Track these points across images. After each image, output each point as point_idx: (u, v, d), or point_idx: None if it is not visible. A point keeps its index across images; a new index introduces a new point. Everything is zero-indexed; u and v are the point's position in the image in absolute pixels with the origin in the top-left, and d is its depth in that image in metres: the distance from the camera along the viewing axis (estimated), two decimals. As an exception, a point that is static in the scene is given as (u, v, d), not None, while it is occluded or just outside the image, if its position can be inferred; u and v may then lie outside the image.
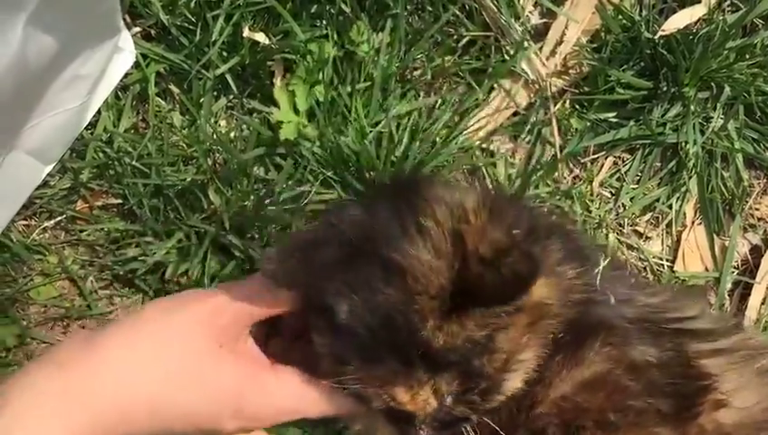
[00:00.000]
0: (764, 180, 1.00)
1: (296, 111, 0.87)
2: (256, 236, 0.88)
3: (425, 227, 0.62)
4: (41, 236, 0.91)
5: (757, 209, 1.01)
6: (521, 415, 0.70)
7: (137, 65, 0.88)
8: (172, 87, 0.91)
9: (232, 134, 0.91)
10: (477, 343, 0.63)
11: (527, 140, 0.98)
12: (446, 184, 0.78)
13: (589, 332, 0.70)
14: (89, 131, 0.89)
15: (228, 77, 0.89)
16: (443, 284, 0.61)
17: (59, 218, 0.91)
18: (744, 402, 0.74)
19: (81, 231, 0.91)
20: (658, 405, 0.70)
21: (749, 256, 1.00)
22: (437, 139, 0.95)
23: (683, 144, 0.96)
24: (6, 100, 0.61)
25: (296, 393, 0.70)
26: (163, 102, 0.92)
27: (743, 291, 0.99)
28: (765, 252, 0.98)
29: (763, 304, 0.97)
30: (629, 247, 0.99)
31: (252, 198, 0.86)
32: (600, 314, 0.72)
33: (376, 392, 0.65)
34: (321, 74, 0.88)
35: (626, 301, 0.76)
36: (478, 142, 0.97)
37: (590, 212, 0.98)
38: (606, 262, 0.73)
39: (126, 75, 0.86)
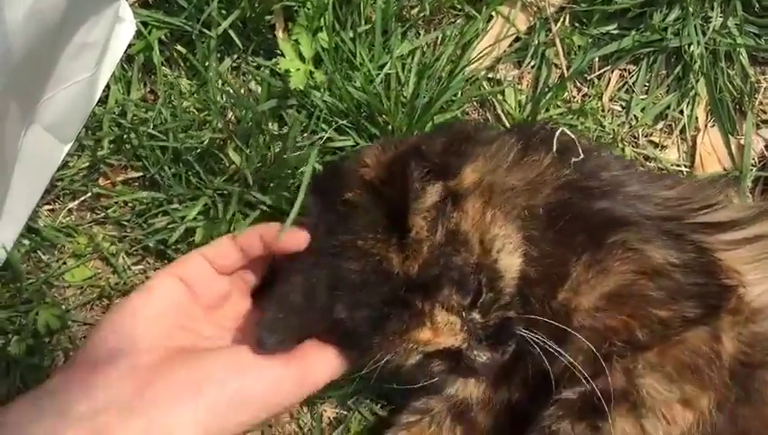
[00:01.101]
0: (771, 75, 1.01)
1: (302, 59, 0.88)
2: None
3: (348, 201, 0.70)
4: (67, 218, 0.91)
5: (767, 104, 1.01)
6: (563, 320, 0.71)
7: (138, 35, 0.88)
8: (176, 54, 0.92)
9: (242, 91, 0.91)
10: (443, 244, 0.68)
11: (532, 64, 0.99)
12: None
13: (605, 229, 0.72)
14: (101, 107, 0.89)
15: (231, 33, 0.89)
16: (382, 224, 0.67)
17: (83, 198, 0.91)
18: None
19: (107, 208, 0.91)
20: (683, 311, 0.71)
21: (765, 152, 1.00)
22: (443, 74, 0.95)
23: (686, 47, 0.96)
24: (27, 54, 0.61)
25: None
26: (168, 71, 0.93)
27: (763, 187, 1.00)
28: (783, 145, 0.99)
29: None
30: (646, 158, 0.99)
31: (270, 151, 0.87)
32: (613, 210, 0.74)
33: (404, 349, 0.68)
34: (322, 20, 0.89)
35: (641, 197, 0.77)
36: (484, 73, 0.97)
37: (604, 127, 0.98)
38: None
39: (129, 46, 0.87)
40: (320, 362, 0.71)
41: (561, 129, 0.80)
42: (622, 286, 0.71)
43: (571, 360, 0.70)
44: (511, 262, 0.71)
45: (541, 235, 0.72)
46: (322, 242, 0.71)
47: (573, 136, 0.80)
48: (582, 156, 0.78)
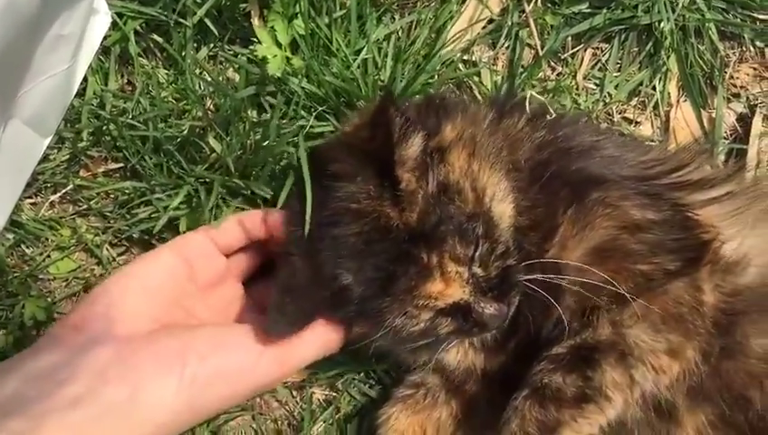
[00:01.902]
0: (739, 49, 1.03)
1: (279, 46, 0.88)
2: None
3: (334, 173, 0.72)
4: (50, 211, 0.92)
5: (737, 78, 1.03)
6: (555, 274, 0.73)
7: (114, 26, 0.88)
8: (153, 44, 0.92)
9: (220, 79, 0.92)
10: (437, 195, 0.69)
11: (506, 45, 1.00)
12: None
13: (585, 187, 0.75)
14: (79, 100, 0.89)
15: (207, 22, 0.89)
16: (373, 183, 0.69)
17: (64, 191, 0.92)
18: (749, 244, 0.77)
19: (89, 199, 0.92)
20: (665, 264, 0.73)
21: (737, 125, 1.03)
22: (419, 58, 0.96)
23: (656, 24, 0.98)
24: (4, 48, 0.62)
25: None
26: (145, 61, 0.93)
27: (736, 160, 1.02)
28: (753, 117, 1.01)
29: (757, 165, 1.00)
30: (621, 135, 1.01)
31: (250, 138, 0.87)
32: (590, 170, 0.77)
33: (416, 306, 0.69)
34: (297, 7, 0.89)
35: (616, 159, 0.80)
36: (459, 55, 0.98)
37: (579, 105, 1.00)
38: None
39: (105, 37, 0.87)
40: (300, 344, 0.72)
41: (530, 93, 0.82)
42: (606, 241, 0.74)
43: (563, 313, 0.72)
44: (503, 209, 0.72)
45: (527, 186, 0.75)
46: (316, 218, 0.72)
47: (544, 99, 0.82)
48: (555, 116, 0.81)
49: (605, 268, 0.73)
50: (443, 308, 0.70)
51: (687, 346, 0.72)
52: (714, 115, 1.01)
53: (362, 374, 0.93)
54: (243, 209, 0.88)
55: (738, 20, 0.99)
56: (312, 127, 0.91)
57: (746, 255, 0.76)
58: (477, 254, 0.69)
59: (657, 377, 0.72)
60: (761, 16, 0.99)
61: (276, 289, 0.72)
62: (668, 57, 1.00)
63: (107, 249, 0.92)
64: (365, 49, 0.93)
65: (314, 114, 0.90)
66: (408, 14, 0.98)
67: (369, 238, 0.68)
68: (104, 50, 0.90)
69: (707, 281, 0.74)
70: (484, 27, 1.00)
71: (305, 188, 0.74)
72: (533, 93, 0.83)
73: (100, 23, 0.85)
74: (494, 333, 0.77)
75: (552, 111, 0.83)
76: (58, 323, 0.72)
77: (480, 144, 0.74)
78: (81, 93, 0.90)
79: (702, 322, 0.72)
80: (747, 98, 1.02)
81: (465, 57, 0.99)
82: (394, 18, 0.98)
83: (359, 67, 0.93)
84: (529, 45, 1.00)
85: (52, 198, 0.92)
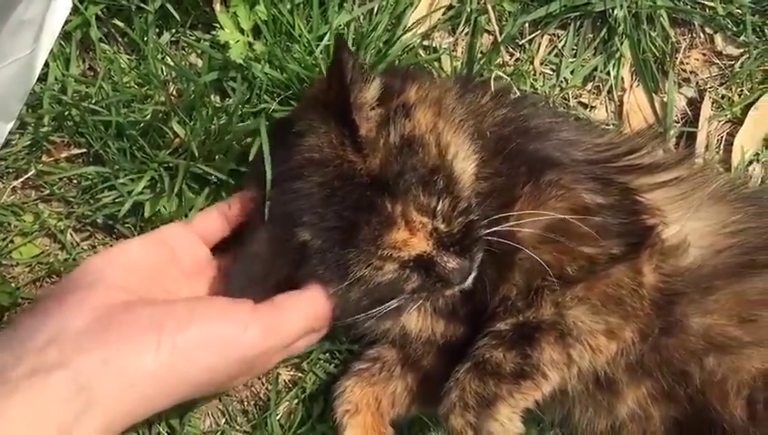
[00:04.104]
0: (689, 35, 1.06)
1: (241, 31, 0.89)
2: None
3: (299, 131, 0.74)
4: (12, 197, 0.92)
5: (687, 63, 1.07)
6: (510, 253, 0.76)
7: (75, 11, 0.88)
8: (114, 29, 0.92)
9: (183, 64, 0.92)
10: (399, 146, 0.71)
11: (465, 31, 1.02)
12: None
13: (540, 168, 0.77)
14: (41, 85, 0.89)
15: (169, 7, 0.90)
16: (334, 132, 0.71)
17: (26, 176, 0.92)
18: (690, 227, 0.81)
19: (52, 185, 0.92)
20: (610, 248, 0.76)
21: (687, 109, 1.06)
22: (380, 44, 0.97)
23: (610, 11, 1.01)
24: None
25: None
26: (107, 46, 0.93)
27: (687, 142, 1.06)
28: (703, 101, 1.05)
29: (706, 148, 1.04)
30: (577, 119, 1.04)
31: (214, 123, 0.88)
32: (546, 151, 0.80)
33: (380, 256, 0.70)
34: (259, -8, 0.90)
35: (571, 142, 0.82)
36: (420, 41, 1.00)
37: (537, 90, 1.02)
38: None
39: (66, 23, 0.87)
40: (285, 314, 0.74)
41: (495, 72, 0.83)
42: (556, 222, 0.76)
43: (509, 289, 0.75)
44: (465, 167, 0.74)
45: (491, 156, 0.77)
46: (279, 177, 0.73)
47: (508, 78, 0.86)
48: (518, 95, 0.84)
49: (554, 248, 0.76)
50: (407, 260, 0.71)
51: (625, 328, 0.75)
52: (665, 99, 1.04)
53: (327, 354, 0.95)
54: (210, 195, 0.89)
55: (688, 7, 1.02)
56: (275, 111, 0.92)
57: (687, 238, 0.80)
58: (439, 208, 0.71)
59: (594, 356, 0.75)
60: (710, 3, 1.02)
61: (240, 255, 0.73)
62: (622, 43, 1.03)
63: (70, 234, 0.92)
64: (327, 35, 0.95)
65: (277, 100, 0.92)
66: (369, 1, 0.99)
67: (331, 187, 0.70)
68: (65, 35, 0.90)
69: (647, 263, 0.77)
70: (443, 14, 1.02)
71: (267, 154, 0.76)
72: (499, 73, 0.85)
73: (61, 7, 0.85)
74: (453, 298, 0.79)
75: (516, 90, 0.85)
76: (40, 297, 0.73)
77: (446, 107, 0.77)
78: (42, 79, 0.90)
79: (641, 304, 0.76)
80: (697, 83, 1.06)
81: (426, 43, 1.01)
82: (354, 3, 0.99)
83: (321, 53, 0.94)
84: (488, 31, 1.02)
85: (15, 183, 0.92)
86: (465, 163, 0.74)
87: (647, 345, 0.77)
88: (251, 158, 0.77)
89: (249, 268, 0.72)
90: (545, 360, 0.73)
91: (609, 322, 0.74)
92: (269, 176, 0.74)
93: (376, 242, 0.69)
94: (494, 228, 0.74)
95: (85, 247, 0.93)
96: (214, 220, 0.81)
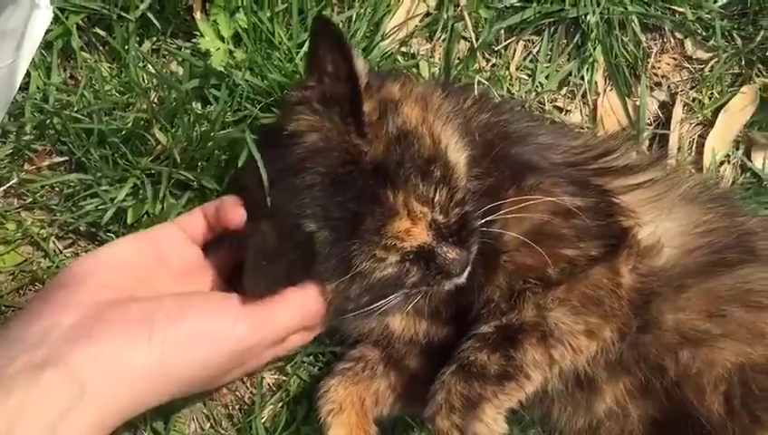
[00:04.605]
0: (660, 40, 1.09)
1: (222, 39, 0.90)
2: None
3: (293, 131, 0.74)
4: (-7, 206, 0.92)
5: (659, 68, 1.10)
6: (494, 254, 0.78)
7: (56, 20, 0.89)
8: (95, 38, 0.93)
9: (164, 72, 0.93)
10: (396, 136, 0.72)
11: (442, 38, 1.04)
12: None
13: (522, 172, 0.79)
14: (22, 94, 0.89)
15: (150, 15, 0.91)
16: (337, 113, 0.72)
17: (8, 185, 0.92)
18: (664, 228, 0.83)
19: (34, 193, 0.92)
20: (589, 250, 0.78)
21: (659, 112, 1.09)
22: (360, 50, 0.99)
23: (583, 17, 1.03)
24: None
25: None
26: (88, 55, 0.94)
27: (659, 144, 1.08)
28: (674, 105, 1.07)
29: (678, 150, 1.06)
30: (553, 123, 1.06)
31: (196, 130, 0.89)
32: (526, 156, 0.81)
33: (384, 247, 0.71)
34: (239, 1, 0.91)
35: (549, 145, 0.84)
36: (398, 47, 1.02)
37: (513, 95, 1.05)
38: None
39: (47, 32, 0.87)
40: (275, 309, 0.74)
41: (476, 77, 0.85)
42: (539, 224, 0.78)
43: (493, 291, 0.76)
44: (458, 157, 0.76)
45: (480, 157, 0.78)
46: (276, 176, 0.74)
47: (486, 83, 0.88)
48: (499, 100, 0.86)
49: (536, 251, 0.77)
50: (409, 252, 0.72)
51: (605, 327, 0.77)
52: (638, 103, 1.07)
53: (311, 357, 0.96)
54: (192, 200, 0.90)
55: (659, 12, 1.05)
56: (256, 118, 0.94)
57: (660, 238, 0.82)
58: (437, 198, 0.72)
59: (575, 356, 0.77)
60: (680, 9, 1.05)
61: (250, 253, 0.74)
62: (595, 48, 1.05)
63: (53, 242, 0.93)
64: (307, 42, 0.96)
65: (258, 106, 0.93)
66: (348, 9, 1.01)
67: (335, 175, 0.70)
68: (46, 44, 0.91)
69: (625, 264, 0.79)
70: (421, 20, 1.04)
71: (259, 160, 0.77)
72: (480, 79, 0.87)
73: (42, 17, 0.85)
74: (440, 296, 0.79)
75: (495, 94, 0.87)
76: (33, 298, 0.73)
77: (432, 103, 0.78)
78: (24, 88, 0.91)
79: (619, 304, 0.78)
80: (668, 86, 1.08)
81: (404, 49, 1.03)
82: (333, 11, 1.01)
83: (301, 60, 0.95)
84: (464, 38, 1.04)
85: (-3, 192, 0.92)
86: (457, 154, 0.76)
87: (625, 344, 0.79)
88: (239, 164, 0.77)
89: (262, 264, 0.72)
90: (528, 361, 0.74)
91: (589, 322, 0.76)
92: (265, 176, 0.75)
93: (379, 232, 0.70)
94: (486, 227, 0.75)
95: (68, 255, 0.93)
96: (199, 221, 0.82)
